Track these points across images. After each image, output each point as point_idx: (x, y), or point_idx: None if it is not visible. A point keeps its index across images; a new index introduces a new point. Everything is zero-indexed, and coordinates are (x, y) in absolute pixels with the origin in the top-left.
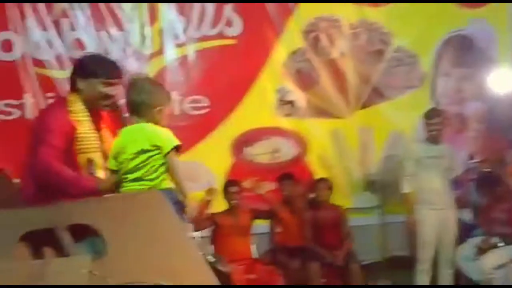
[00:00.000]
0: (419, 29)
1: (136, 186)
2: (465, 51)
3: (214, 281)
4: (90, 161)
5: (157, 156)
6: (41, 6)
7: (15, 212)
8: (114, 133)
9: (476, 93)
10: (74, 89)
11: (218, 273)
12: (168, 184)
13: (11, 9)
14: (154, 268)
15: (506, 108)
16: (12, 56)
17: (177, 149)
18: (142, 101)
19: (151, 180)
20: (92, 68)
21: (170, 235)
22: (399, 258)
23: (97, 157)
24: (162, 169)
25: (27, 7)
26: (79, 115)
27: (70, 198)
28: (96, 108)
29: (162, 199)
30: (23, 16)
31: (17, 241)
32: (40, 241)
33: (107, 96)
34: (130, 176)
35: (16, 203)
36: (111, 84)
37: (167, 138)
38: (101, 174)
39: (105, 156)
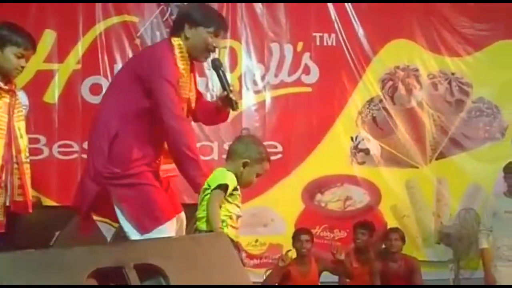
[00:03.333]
0: (502, 80)
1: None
2: None
3: None
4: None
5: (208, 195)
6: (129, 51)
7: (86, 248)
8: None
9: None
10: (178, 35)
11: None
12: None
13: (102, 54)
14: None
15: None
16: (100, 100)
17: (224, 189)
18: (235, 150)
19: (200, 218)
20: (203, 18)
21: (231, 279)
22: None
23: (185, 108)
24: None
25: (117, 52)
26: (182, 63)
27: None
28: (195, 59)
29: (228, 241)
30: (112, 61)
31: (84, 278)
32: (108, 278)
33: (212, 48)
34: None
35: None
36: (217, 36)
37: (219, 176)
38: None
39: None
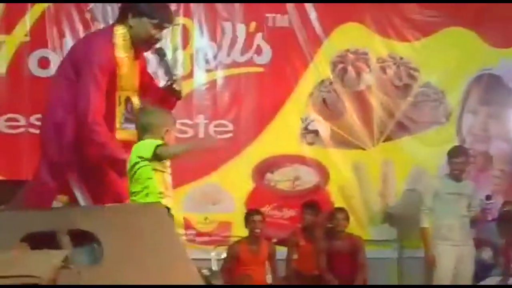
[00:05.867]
0: (448, 66)
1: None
2: (493, 90)
3: None
4: (128, 100)
5: (143, 167)
6: (79, 25)
7: (19, 213)
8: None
9: (502, 132)
10: (122, 23)
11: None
12: (151, 199)
13: (50, 28)
14: (144, 279)
15: None
16: (48, 73)
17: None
18: (151, 122)
19: (135, 193)
20: (148, 9)
21: (166, 248)
22: None
23: (135, 97)
24: (147, 183)
25: (66, 26)
26: (124, 52)
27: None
28: (139, 48)
29: (164, 212)
30: (61, 35)
31: (17, 242)
32: (40, 243)
33: (155, 39)
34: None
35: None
36: (161, 28)
37: (147, 144)
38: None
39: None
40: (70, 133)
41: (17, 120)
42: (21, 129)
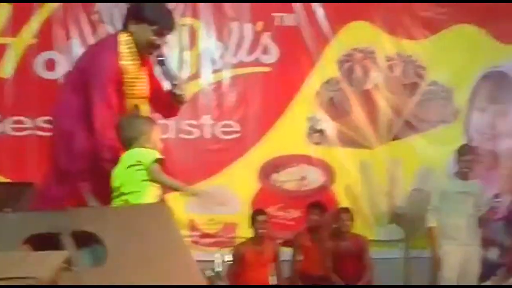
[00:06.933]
0: (456, 64)
1: (117, 201)
2: (501, 88)
3: None
4: (136, 107)
5: (139, 171)
6: (86, 27)
7: (22, 214)
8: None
9: (510, 130)
10: (125, 29)
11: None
12: (144, 200)
13: (57, 29)
14: (147, 280)
15: None
16: (55, 75)
17: (160, 163)
18: (131, 137)
19: (129, 193)
20: (148, 15)
21: (170, 249)
22: None
23: (142, 103)
24: (142, 185)
25: (73, 28)
26: (129, 59)
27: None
28: (144, 54)
29: (167, 212)
30: (68, 36)
31: (20, 243)
32: (44, 245)
33: (155, 46)
34: (115, 193)
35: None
36: (162, 35)
37: (146, 153)
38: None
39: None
40: (81, 141)
41: (23, 123)
42: (28, 132)
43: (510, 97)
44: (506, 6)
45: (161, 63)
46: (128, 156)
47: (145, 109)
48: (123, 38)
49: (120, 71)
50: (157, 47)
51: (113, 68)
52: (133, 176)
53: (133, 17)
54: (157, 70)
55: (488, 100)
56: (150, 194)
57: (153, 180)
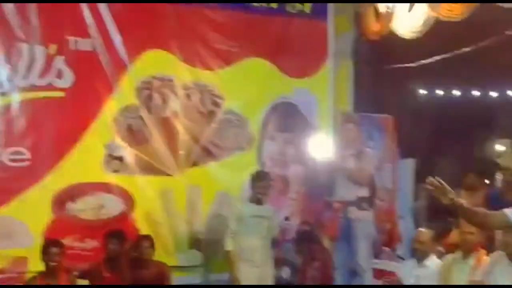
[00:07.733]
0: (249, 95)
1: None
2: (289, 117)
3: None
4: None
5: None
6: None
7: None
8: None
9: (298, 156)
10: None
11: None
12: None
13: None
14: None
15: (323, 171)
16: None
17: None
18: None
19: None
20: None
21: None
22: None
23: None
24: None
25: None
26: None
27: None
28: None
29: None
30: None
31: None
32: None
33: None
34: None
35: None
36: None
37: None
38: None
39: None
40: None
41: None
42: None
43: (298, 126)
44: (291, 41)
45: None
46: None
47: None
48: None
49: None
50: None
51: None
52: None
53: None
54: None
55: (278, 128)
56: None
57: None
